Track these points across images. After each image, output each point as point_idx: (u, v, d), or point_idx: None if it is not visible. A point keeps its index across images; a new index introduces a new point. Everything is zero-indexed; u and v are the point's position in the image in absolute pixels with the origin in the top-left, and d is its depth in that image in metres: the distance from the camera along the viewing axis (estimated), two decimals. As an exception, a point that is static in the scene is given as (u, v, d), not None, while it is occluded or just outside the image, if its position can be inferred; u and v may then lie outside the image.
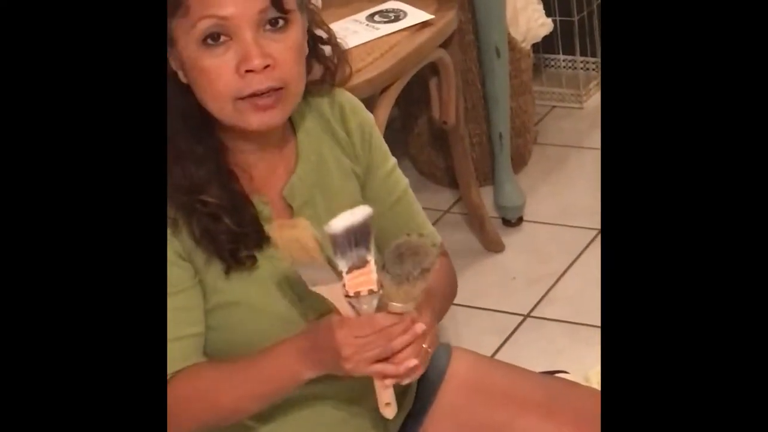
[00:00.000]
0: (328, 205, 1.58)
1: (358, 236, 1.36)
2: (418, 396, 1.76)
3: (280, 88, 1.45)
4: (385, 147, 1.67)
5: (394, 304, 1.39)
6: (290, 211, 1.55)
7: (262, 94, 1.44)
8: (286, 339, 1.47)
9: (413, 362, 1.41)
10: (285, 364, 1.46)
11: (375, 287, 1.38)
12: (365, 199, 1.63)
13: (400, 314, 1.39)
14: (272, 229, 1.38)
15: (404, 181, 1.68)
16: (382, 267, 1.37)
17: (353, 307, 1.39)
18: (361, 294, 1.37)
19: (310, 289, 1.41)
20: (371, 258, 1.37)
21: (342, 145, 1.60)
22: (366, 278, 1.37)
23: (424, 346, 1.43)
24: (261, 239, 1.50)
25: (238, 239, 1.47)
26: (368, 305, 1.38)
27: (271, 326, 1.51)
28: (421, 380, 1.76)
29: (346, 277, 1.37)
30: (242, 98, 1.44)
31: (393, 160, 1.67)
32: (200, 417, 1.48)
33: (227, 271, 1.48)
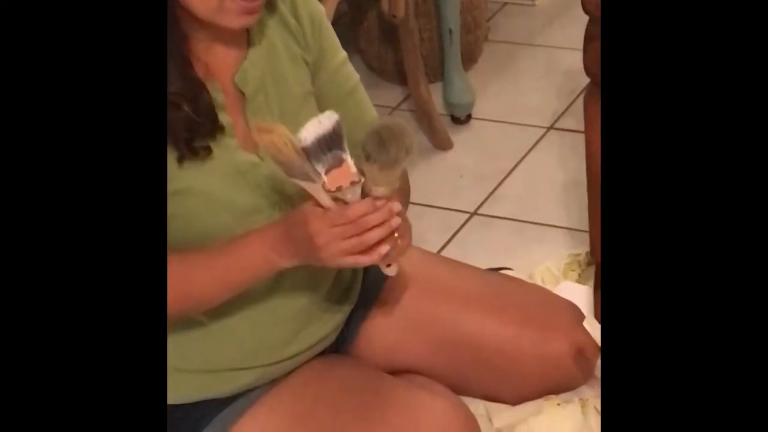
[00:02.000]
0: (279, 92, 1.58)
1: (329, 142, 1.39)
2: (364, 290, 1.78)
3: None
4: (336, 40, 1.67)
5: (378, 188, 1.42)
6: (242, 98, 1.55)
7: None
8: (257, 229, 1.49)
9: (386, 248, 1.44)
10: (259, 253, 1.48)
11: (356, 178, 1.40)
12: (315, 90, 1.64)
13: (381, 199, 1.42)
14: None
15: (355, 76, 1.69)
16: (366, 158, 1.40)
17: (336, 200, 1.41)
18: (344, 187, 1.39)
19: (291, 180, 1.43)
20: (347, 156, 1.40)
21: (293, 33, 1.61)
22: (345, 172, 1.39)
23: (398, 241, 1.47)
24: (215, 128, 1.51)
25: (193, 128, 1.49)
26: (352, 194, 1.40)
27: (226, 216, 1.52)
28: (367, 274, 1.79)
29: (325, 177, 1.39)
30: None
31: (343, 53, 1.68)
32: (170, 306, 1.49)
33: (180, 160, 1.49)
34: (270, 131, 1.40)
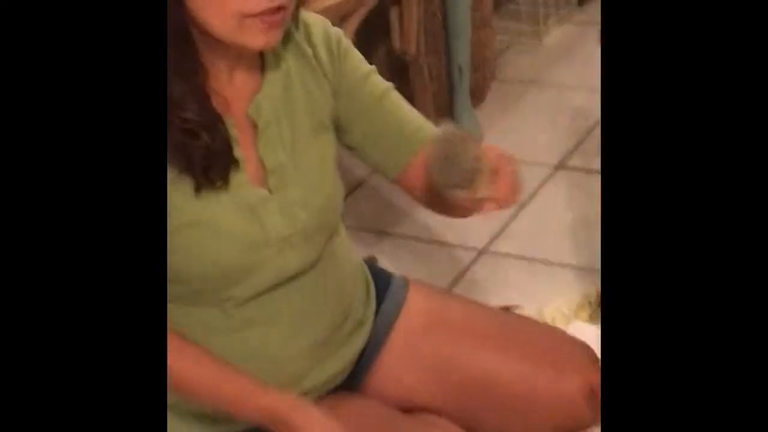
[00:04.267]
0: (293, 125, 1.56)
1: None
2: (375, 328, 1.76)
3: (285, 7, 1.44)
4: (359, 56, 1.64)
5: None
6: (254, 130, 1.53)
7: (272, 11, 1.42)
8: (276, 395, 1.51)
9: None
10: (257, 414, 1.50)
11: None
12: (344, 110, 1.61)
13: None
14: None
15: (386, 83, 1.65)
16: (440, 183, 1.35)
17: None
18: None
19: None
20: None
21: (308, 62, 1.59)
22: None
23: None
24: (230, 161, 1.49)
25: (212, 157, 1.46)
26: None
27: (234, 248, 1.50)
28: (378, 312, 1.77)
29: None
30: (252, 15, 1.42)
31: (369, 66, 1.64)
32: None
33: (198, 189, 1.47)
34: None
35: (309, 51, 1.59)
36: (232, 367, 1.52)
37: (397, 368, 1.76)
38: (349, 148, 1.67)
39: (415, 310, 1.79)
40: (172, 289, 1.48)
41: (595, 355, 1.81)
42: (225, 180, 1.49)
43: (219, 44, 1.46)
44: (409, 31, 2.65)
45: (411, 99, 2.85)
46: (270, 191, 1.54)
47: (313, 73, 1.59)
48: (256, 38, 1.44)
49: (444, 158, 1.36)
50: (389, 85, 1.66)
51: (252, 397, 1.50)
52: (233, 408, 1.51)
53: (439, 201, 1.56)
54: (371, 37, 3.02)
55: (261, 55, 1.55)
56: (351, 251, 1.74)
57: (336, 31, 1.63)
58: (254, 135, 1.54)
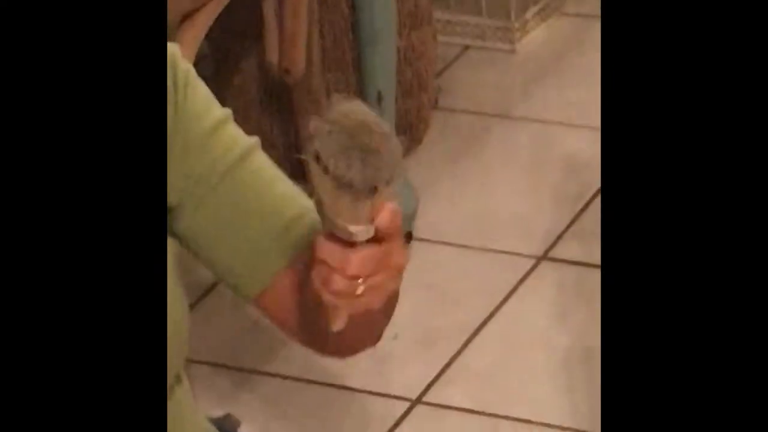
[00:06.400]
0: None
1: None
2: None
3: None
4: (206, 94, 1.66)
5: (349, 227, 1.45)
6: None
7: None
8: None
9: None
10: None
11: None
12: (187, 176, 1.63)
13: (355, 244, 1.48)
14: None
15: (245, 142, 1.66)
16: (323, 170, 1.43)
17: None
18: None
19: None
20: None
21: None
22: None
23: None
24: None
25: None
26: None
27: None
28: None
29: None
30: None
31: (221, 113, 1.66)
32: None
33: None
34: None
35: None
36: None
37: None
38: (195, 252, 1.72)
39: None
40: None
41: None
42: None
43: None
44: (294, 36, 2.65)
45: (297, 143, 2.80)
46: None
47: None
48: None
49: (346, 138, 1.42)
50: (249, 143, 1.66)
51: None
52: None
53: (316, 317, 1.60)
54: (233, 44, 3.08)
55: None
56: (193, 410, 1.76)
57: (184, 68, 1.66)
58: None
